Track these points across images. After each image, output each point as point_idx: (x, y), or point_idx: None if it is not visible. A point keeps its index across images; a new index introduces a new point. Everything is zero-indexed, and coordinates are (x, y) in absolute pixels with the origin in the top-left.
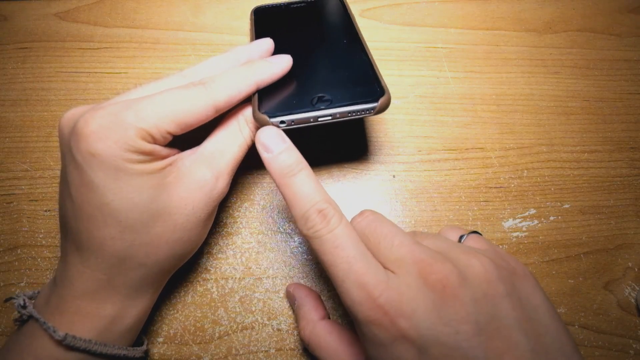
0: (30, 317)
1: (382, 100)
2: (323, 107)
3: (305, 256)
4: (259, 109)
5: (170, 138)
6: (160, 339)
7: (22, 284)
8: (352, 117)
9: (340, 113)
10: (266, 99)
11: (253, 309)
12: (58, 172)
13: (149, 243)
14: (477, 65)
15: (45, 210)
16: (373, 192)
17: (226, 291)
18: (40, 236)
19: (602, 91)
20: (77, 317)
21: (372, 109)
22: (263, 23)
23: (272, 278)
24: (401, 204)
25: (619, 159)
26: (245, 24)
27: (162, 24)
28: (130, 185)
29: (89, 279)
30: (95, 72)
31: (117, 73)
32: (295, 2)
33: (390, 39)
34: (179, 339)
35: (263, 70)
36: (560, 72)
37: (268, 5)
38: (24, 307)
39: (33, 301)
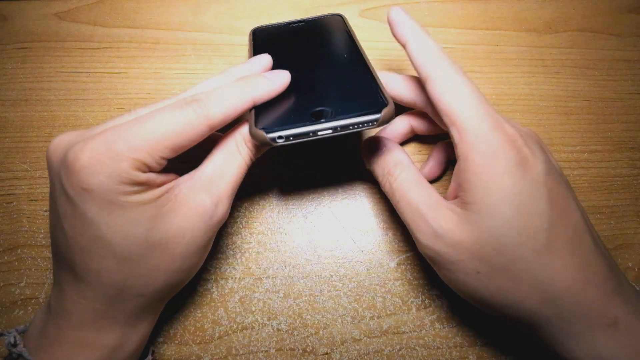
0: (20, 356)
1: (385, 112)
2: (323, 120)
3: (305, 256)
4: (255, 125)
5: (164, 163)
6: (160, 339)
7: (22, 284)
8: (354, 130)
9: (341, 126)
10: (263, 115)
11: (253, 309)
12: None
13: (146, 274)
14: (477, 65)
15: (45, 210)
16: (376, 191)
17: (226, 291)
18: (40, 236)
19: (602, 91)
20: (78, 348)
21: (375, 120)
22: (262, 43)
23: (272, 278)
24: None
25: (619, 159)
26: (245, 23)
27: (162, 24)
28: (126, 217)
29: (86, 310)
30: (95, 72)
31: (117, 73)
32: (295, 22)
33: (390, 39)
34: (178, 339)
35: (260, 86)
36: (560, 72)
37: (267, 26)
38: (14, 345)
39: (25, 334)
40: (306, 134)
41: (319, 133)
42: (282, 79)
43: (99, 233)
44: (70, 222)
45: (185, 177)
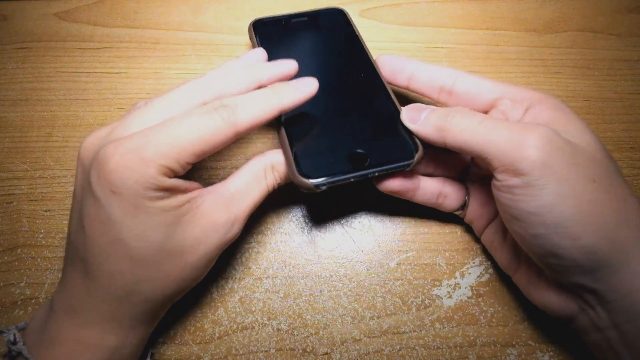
0: (20, 354)
1: (417, 156)
2: (361, 166)
3: (305, 256)
4: (297, 170)
5: (189, 168)
6: (160, 339)
7: (22, 284)
8: (388, 173)
9: (379, 171)
10: (302, 157)
11: (253, 309)
12: (58, 172)
13: (158, 279)
14: (477, 65)
15: (45, 210)
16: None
17: (226, 291)
18: (40, 236)
19: (602, 91)
20: (79, 348)
21: (409, 164)
22: (267, 41)
23: (272, 278)
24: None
25: (619, 159)
26: (245, 24)
27: (162, 24)
28: (148, 222)
29: (93, 310)
30: (95, 72)
31: (117, 73)
32: (296, 15)
33: (390, 39)
34: (178, 339)
35: (288, 97)
36: (560, 72)
37: (268, 19)
38: (14, 343)
39: (24, 331)
40: (347, 179)
41: (359, 178)
42: (309, 88)
43: (120, 236)
44: (93, 221)
45: (209, 189)
